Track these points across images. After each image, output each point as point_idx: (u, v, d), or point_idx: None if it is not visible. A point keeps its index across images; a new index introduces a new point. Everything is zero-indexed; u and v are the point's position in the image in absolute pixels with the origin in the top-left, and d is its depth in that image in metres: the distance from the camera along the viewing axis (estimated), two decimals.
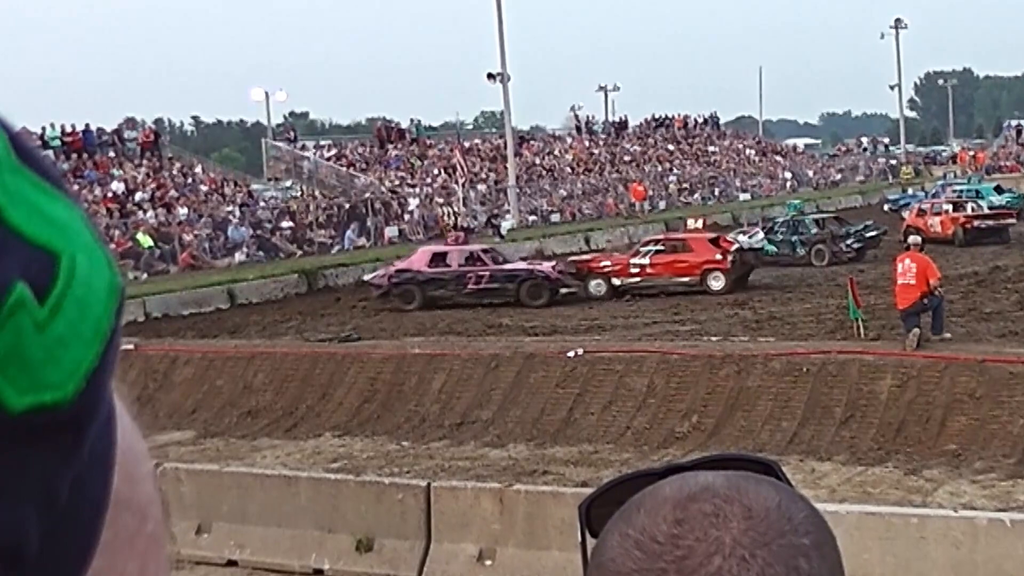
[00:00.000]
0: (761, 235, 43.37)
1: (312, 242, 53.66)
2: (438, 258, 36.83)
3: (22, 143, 0.65)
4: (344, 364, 25.81)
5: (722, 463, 1.18)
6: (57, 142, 57.01)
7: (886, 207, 63.78)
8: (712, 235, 39.06)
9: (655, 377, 22.70)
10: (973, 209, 47.27)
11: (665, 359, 23.12)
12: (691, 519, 1.05)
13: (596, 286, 35.84)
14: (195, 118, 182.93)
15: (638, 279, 35.69)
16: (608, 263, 36.63)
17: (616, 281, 35.84)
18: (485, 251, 37.46)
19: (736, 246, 37.45)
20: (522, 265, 36.38)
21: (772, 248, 41.89)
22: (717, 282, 35.25)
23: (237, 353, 27.47)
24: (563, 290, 35.14)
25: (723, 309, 31.18)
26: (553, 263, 37.22)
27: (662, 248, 36.57)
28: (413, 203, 60.46)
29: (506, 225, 56.85)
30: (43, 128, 57.67)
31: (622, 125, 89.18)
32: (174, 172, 59.56)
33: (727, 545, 1.03)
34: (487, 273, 35.56)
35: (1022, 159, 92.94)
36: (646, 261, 35.96)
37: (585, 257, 38.85)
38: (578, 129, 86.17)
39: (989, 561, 12.39)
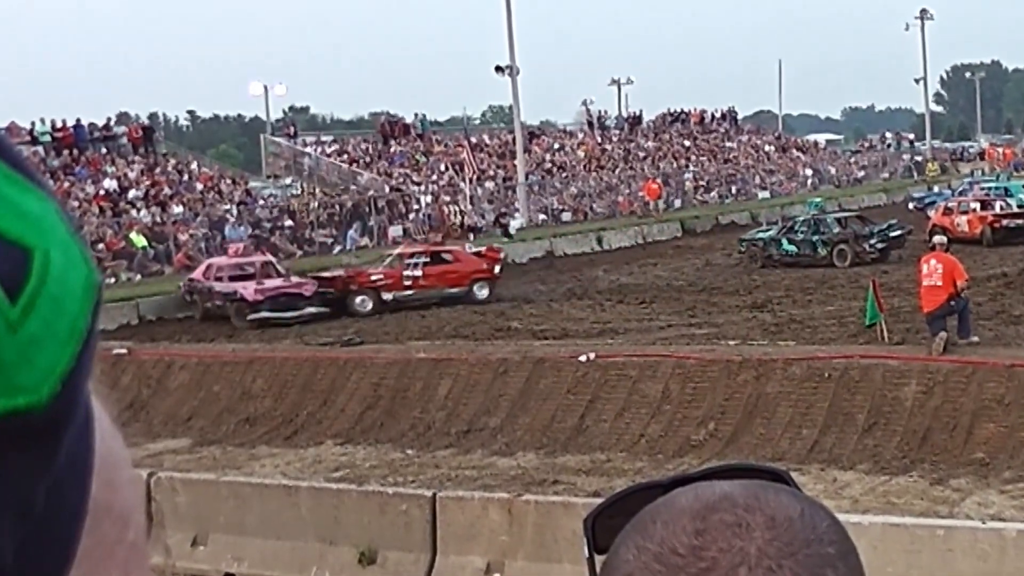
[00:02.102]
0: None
1: (313, 242, 53.73)
2: (209, 269, 38.12)
3: None
4: (346, 369, 25.83)
5: (731, 473, 1.17)
6: (47, 138, 57.05)
7: (911, 205, 63.69)
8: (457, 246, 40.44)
9: (670, 383, 22.69)
10: (1002, 208, 47.16)
11: (680, 364, 23.10)
12: (712, 529, 1.05)
13: (360, 302, 35.86)
14: (191, 113, 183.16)
15: (411, 291, 36.35)
16: (380, 276, 36.71)
17: (387, 295, 36.13)
18: (250, 264, 38.03)
19: (503, 254, 39.42)
20: (244, 284, 36.33)
21: (792, 248, 41.93)
22: (483, 291, 37.02)
23: (235, 358, 27.50)
24: (255, 315, 34.85)
25: (741, 312, 31.17)
26: (294, 282, 36.63)
27: (429, 260, 37.42)
28: (424, 200, 60.49)
29: (515, 224, 56.83)
30: (32, 123, 57.78)
31: (636, 120, 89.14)
32: (169, 169, 59.60)
33: (752, 556, 1.02)
34: (219, 290, 36.42)
35: None
36: (419, 273, 36.69)
37: (339, 273, 38.03)
38: (590, 124, 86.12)
39: (1018, 574, 12.37)
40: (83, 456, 0.69)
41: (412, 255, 37.88)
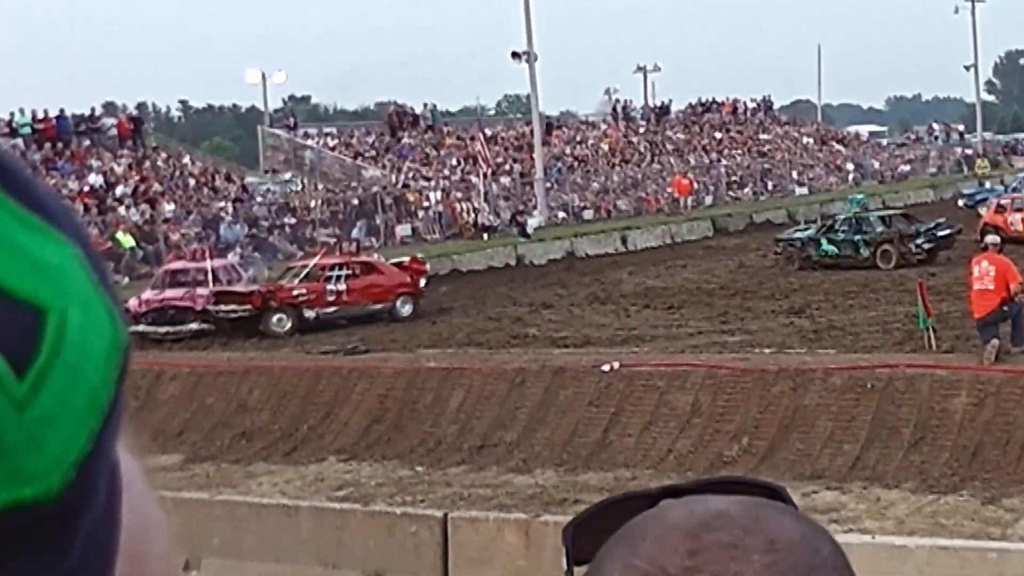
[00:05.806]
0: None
1: (314, 242, 53.65)
2: (163, 276, 38.04)
3: (7, 162, 0.60)
4: (350, 379, 25.85)
5: (723, 487, 1.16)
6: (27, 130, 57.16)
7: (961, 203, 63.58)
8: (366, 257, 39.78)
9: (700, 394, 22.68)
10: None
11: (712, 374, 23.10)
12: (707, 550, 1.04)
13: (277, 321, 34.63)
14: (183, 102, 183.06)
15: (335, 308, 35.43)
16: (302, 291, 35.36)
17: (310, 313, 35.03)
18: (191, 271, 37.76)
19: (428, 266, 39.06)
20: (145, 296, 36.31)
21: (832, 248, 41.89)
22: (406, 307, 36.35)
23: (230, 367, 27.55)
24: (132, 329, 34.42)
25: (777, 318, 31.14)
26: (189, 295, 36.00)
27: (351, 272, 36.51)
28: (434, 197, 60.48)
29: (532, 223, 56.76)
30: (11, 113, 57.93)
31: (664, 110, 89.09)
32: (159, 163, 59.69)
33: None
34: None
35: None
36: (342, 287, 35.80)
37: (256, 288, 36.51)
38: (614, 114, 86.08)
39: None
40: (103, 544, 0.64)
41: (332, 267, 36.70)
